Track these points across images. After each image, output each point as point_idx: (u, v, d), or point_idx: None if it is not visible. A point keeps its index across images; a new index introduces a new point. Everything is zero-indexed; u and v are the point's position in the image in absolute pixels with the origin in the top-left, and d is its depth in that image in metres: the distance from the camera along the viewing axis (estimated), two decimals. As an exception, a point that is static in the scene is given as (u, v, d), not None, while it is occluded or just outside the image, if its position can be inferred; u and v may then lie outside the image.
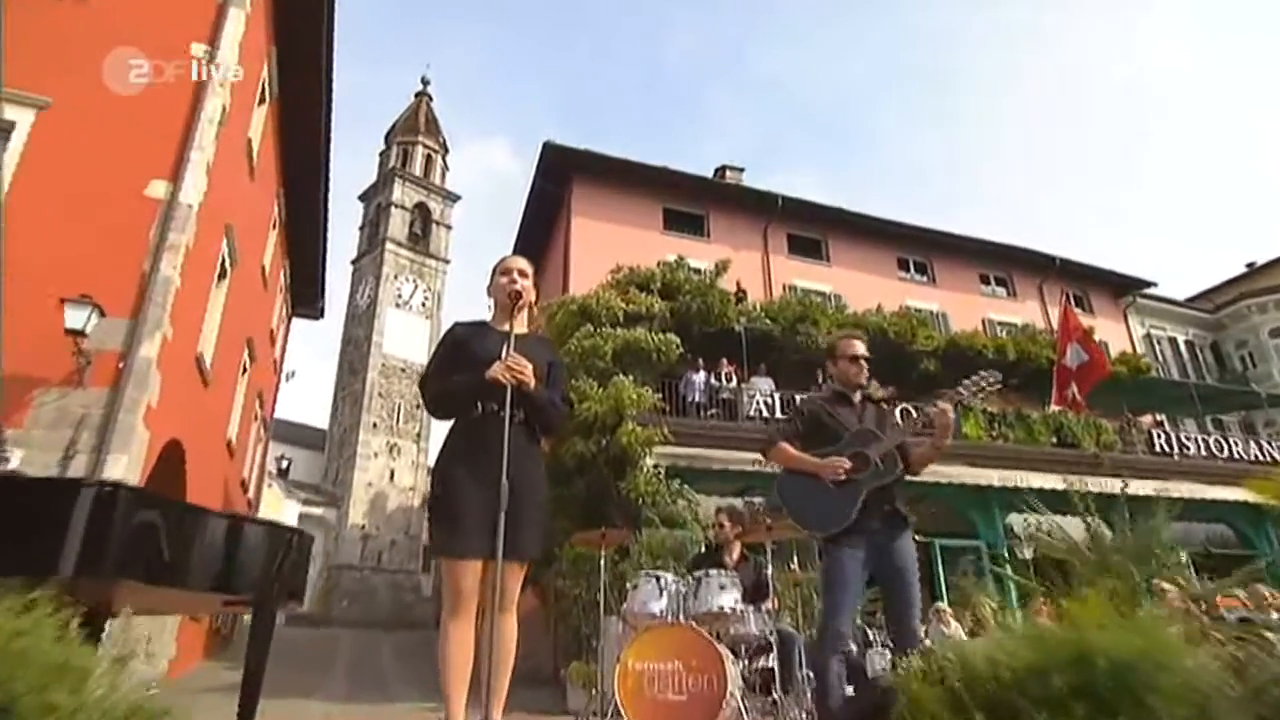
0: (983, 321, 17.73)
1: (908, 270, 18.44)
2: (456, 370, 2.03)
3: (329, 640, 21.73)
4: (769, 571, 4.11)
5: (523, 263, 2.22)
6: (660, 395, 10.58)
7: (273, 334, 16.20)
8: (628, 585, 3.92)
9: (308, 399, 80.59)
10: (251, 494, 18.49)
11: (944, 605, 8.49)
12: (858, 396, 3.03)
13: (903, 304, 16.83)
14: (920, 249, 18.45)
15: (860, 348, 3.12)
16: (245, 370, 13.30)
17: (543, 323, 2.69)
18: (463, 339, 2.08)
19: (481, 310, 2.59)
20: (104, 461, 5.86)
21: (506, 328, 2.08)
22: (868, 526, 2.66)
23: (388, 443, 34.43)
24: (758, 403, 11.99)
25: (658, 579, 3.83)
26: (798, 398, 12.11)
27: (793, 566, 5.28)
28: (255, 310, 13.27)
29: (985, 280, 18.98)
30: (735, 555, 4.35)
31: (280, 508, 29.37)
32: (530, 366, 1.96)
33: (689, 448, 10.42)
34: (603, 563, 4.63)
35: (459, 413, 1.95)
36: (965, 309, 17.69)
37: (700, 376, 12.02)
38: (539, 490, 1.95)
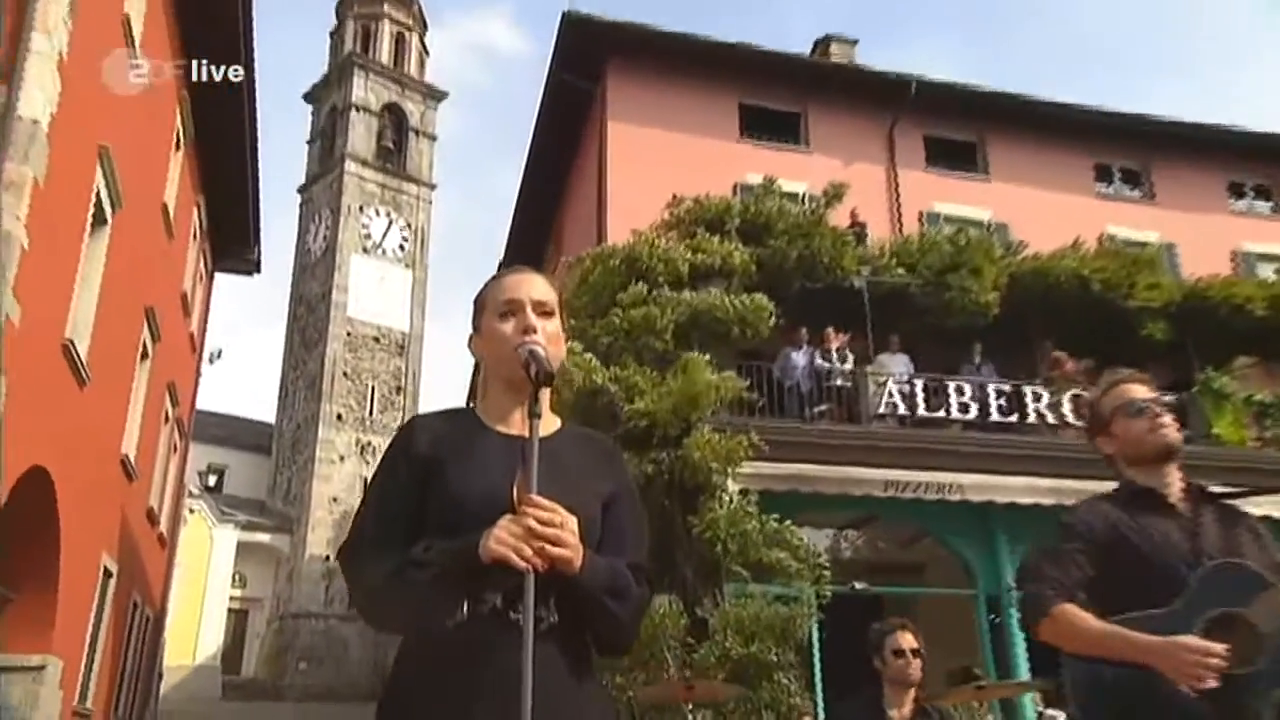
0: (1233, 256, 16.59)
1: (1110, 182, 17.47)
2: (416, 528, 1.64)
3: (278, 720, 22.02)
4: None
5: (537, 287, 1.82)
6: (747, 385, 10.52)
7: (185, 300, 16.07)
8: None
9: (245, 384, 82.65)
10: (165, 525, 18.62)
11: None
12: (1176, 489, 2.41)
13: (1104, 233, 15.98)
14: (1130, 148, 17.33)
15: (1143, 392, 2.53)
16: (146, 355, 13.19)
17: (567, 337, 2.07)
18: (429, 453, 1.70)
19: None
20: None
21: (515, 424, 1.71)
22: None
23: (357, 441, 34.82)
24: (889, 392, 11.70)
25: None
26: (965, 400, 11.72)
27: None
28: (156, 269, 13.07)
29: (1237, 192, 17.76)
30: (907, 708, 3.83)
31: (208, 540, 29.89)
32: (571, 522, 1.54)
33: (788, 462, 10.47)
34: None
35: (425, 620, 1.57)
36: (1204, 237, 16.50)
37: (803, 355, 12.16)
38: None
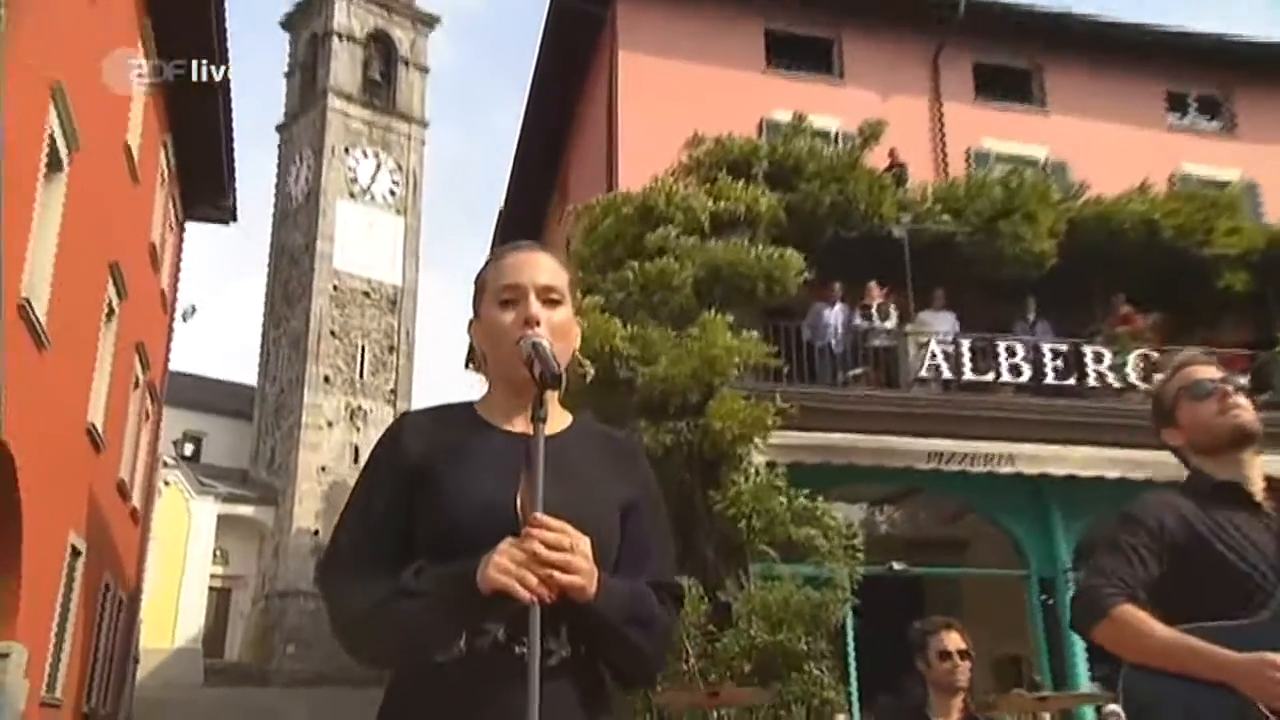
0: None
1: (1184, 112, 17.08)
2: (406, 545, 1.62)
3: (262, 712, 22.32)
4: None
5: (543, 269, 1.76)
6: (776, 351, 10.66)
7: (154, 252, 16.02)
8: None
9: (223, 344, 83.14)
10: (137, 499, 18.78)
11: None
12: (1259, 483, 2.35)
13: (1177, 172, 15.71)
14: (1208, 73, 16.91)
15: (1210, 372, 2.45)
16: (111, 314, 13.19)
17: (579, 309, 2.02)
18: (419, 458, 1.68)
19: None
20: None
21: (520, 422, 1.68)
22: None
23: (347, 405, 35.13)
24: (932, 353, 11.69)
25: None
26: (1017, 362, 11.71)
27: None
28: (120, 219, 13.01)
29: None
30: (954, 717, 3.80)
31: (186, 514, 30.25)
32: (583, 543, 1.51)
33: (820, 431, 10.54)
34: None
35: (416, 657, 1.56)
36: (1290, 175, 16.16)
37: (836, 313, 12.16)
38: None
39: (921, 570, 12.23)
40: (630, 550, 1.66)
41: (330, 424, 34.34)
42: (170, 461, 26.62)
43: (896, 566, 11.09)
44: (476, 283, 1.80)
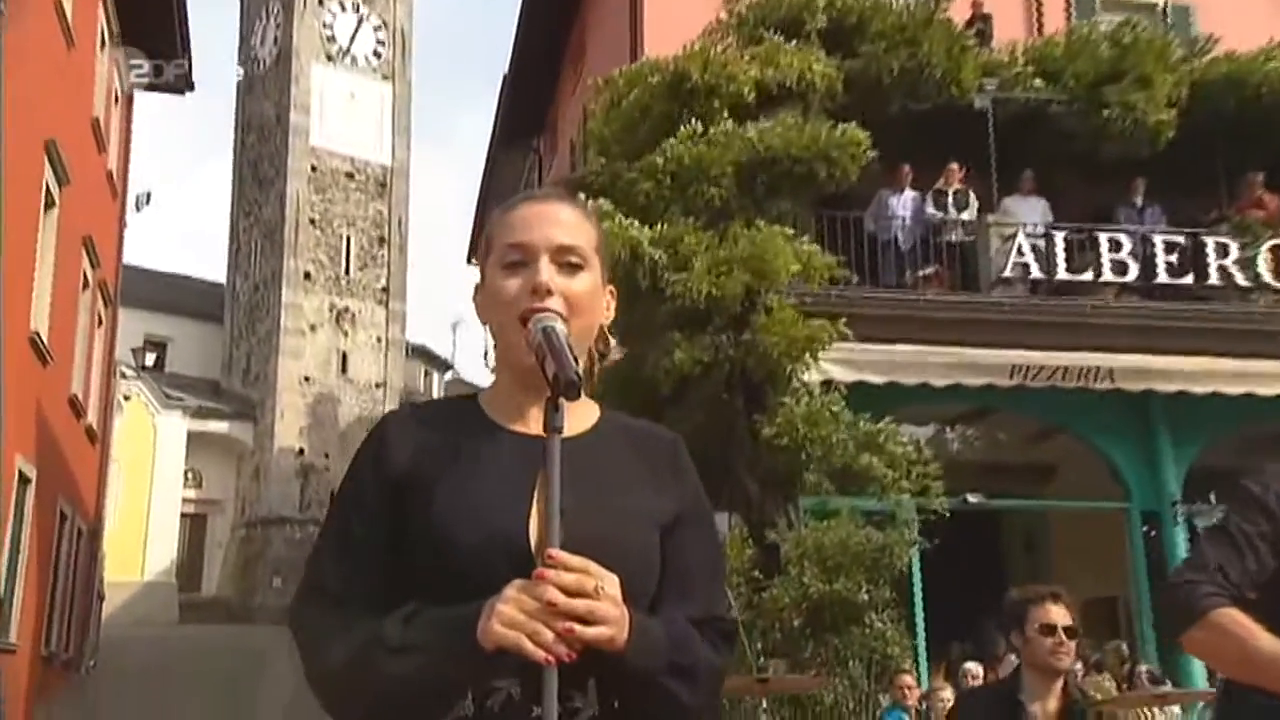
0: None
1: None
2: (394, 580, 1.61)
3: (246, 652, 22.94)
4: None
5: (561, 224, 1.69)
6: (838, 258, 10.52)
7: (98, 129, 15.91)
8: None
9: (186, 235, 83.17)
10: (94, 416, 18.99)
11: None
12: None
13: None
14: None
15: None
16: (51, 203, 13.18)
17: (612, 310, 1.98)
18: (410, 469, 1.66)
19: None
20: None
21: (534, 420, 1.66)
22: None
23: (331, 306, 35.45)
24: (1019, 248, 11.58)
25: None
26: (1122, 257, 11.58)
27: None
28: (54, 89, 12.86)
29: None
30: (1053, 702, 3.78)
31: (151, 430, 30.73)
32: (611, 583, 1.48)
33: (885, 344, 10.59)
34: None
35: (411, 713, 1.56)
36: None
37: (906, 200, 12.11)
38: None
39: (1001, 503, 12.21)
40: (671, 578, 1.64)
41: (313, 327, 34.60)
42: (130, 372, 26.90)
43: (972, 499, 11.11)
44: (485, 235, 1.75)
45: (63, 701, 16.83)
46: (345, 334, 35.02)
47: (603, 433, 1.69)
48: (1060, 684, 3.70)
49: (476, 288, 1.74)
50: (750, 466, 9.52)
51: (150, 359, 28.64)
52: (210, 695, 17.60)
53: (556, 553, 1.43)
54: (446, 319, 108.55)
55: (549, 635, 1.40)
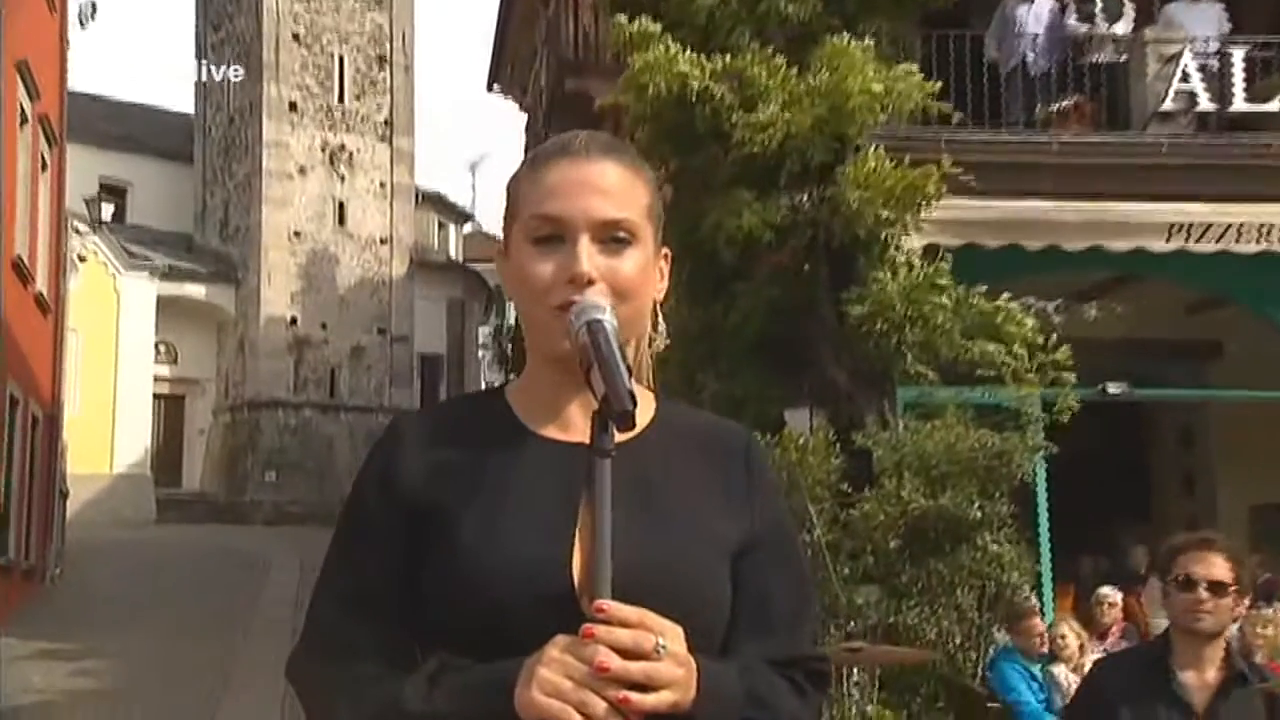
0: None
1: None
2: (412, 623, 1.66)
3: (239, 556, 23.64)
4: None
5: (605, 191, 1.67)
6: (946, 82, 10.44)
7: None
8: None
9: (144, 57, 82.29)
10: (43, 281, 19.28)
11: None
12: None
13: None
14: None
15: None
16: None
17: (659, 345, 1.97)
18: (427, 491, 1.67)
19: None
20: None
21: (574, 422, 1.69)
22: None
23: (324, 143, 35.57)
24: (1182, 72, 11.35)
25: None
26: None
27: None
28: None
29: None
30: (1211, 673, 3.75)
31: (113, 295, 31.07)
32: (672, 634, 1.50)
33: (1007, 198, 10.63)
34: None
35: None
36: None
37: (1038, 10, 11.93)
38: None
39: (1152, 393, 12.10)
40: (748, 610, 1.67)
41: (302, 170, 34.67)
42: (84, 227, 27.04)
43: (1114, 389, 11.05)
44: (507, 193, 1.74)
45: (24, 618, 17.52)
46: (341, 178, 35.03)
47: (660, 434, 1.69)
48: (1219, 649, 3.69)
49: (500, 254, 1.75)
50: (836, 354, 9.63)
51: (108, 211, 28.62)
52: (198, 608, 18.20)
53: (607, 604, 1.44)
54: (463, 159, 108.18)
55: (600, 707, 1.42)
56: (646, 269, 1.68)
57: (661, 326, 1.78)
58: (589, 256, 1.60)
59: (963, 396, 9.60)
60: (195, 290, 34.42)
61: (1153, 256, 10.80)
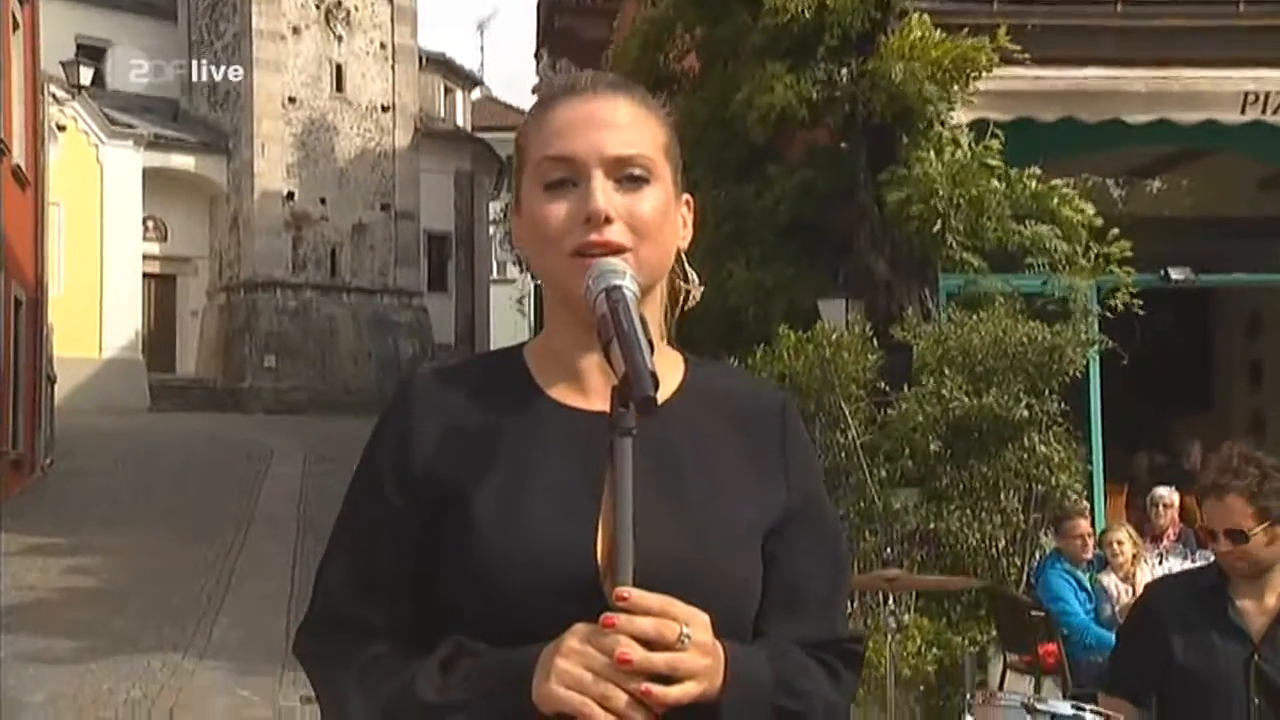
0: None
1: None
2: (426, 600, 1.68)
3: (238, 446, 23.92)
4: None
5: (616, 126, 1.68)
6: None
7: None
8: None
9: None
10: (20, 154, 19.24)
11: None
12: None
13: None
14: None
15: None
16: None
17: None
18: (442, 462, 1.68)
19: None
20: None
21: (594, 387, 1.70)
22: None
23: (317, 1, 35.03)
24: None
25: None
26: None
27: None
28: None
29: None
30: (1272, 599, 3.83)
31: (96, 167, 30.89)
32: (697, 622, 1.51)
33: (1064, 67, 10.55)
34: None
35: None
36: None
37: None
38: None
39: (1218, 279, 12.05)
40: (780, 589, 1.69)
41: (296, 30, 34.27)
42: (61, 93, 26.80)
43: (1176, 275, 11.00)
44: (516, 145, 1.76)
45: (15, 510, 17.81)
46: (339, 39, 34.63)
47: (688, 401, 1.69)
48: (1274, 578, 3.73)
49: (514, 211, 1.75)
50: (874, 240, 9.62)
51: (86, 74, 28.16)
52: (197, 501, 18.50)
53: (629, 592, 1.45)
54: (470, 17, 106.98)
55: (622, 699, 1.44)
56: (666, 209, 1.68)
57: (693, 277, 1.78)
58: (604, 193, 1.61)
59: (1010, 282, 9.59)
60: (184, 161, 34.33)
61: (1224, 129, 10.67)
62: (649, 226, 1.64)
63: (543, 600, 1.54)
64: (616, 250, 1.60)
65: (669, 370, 1.71)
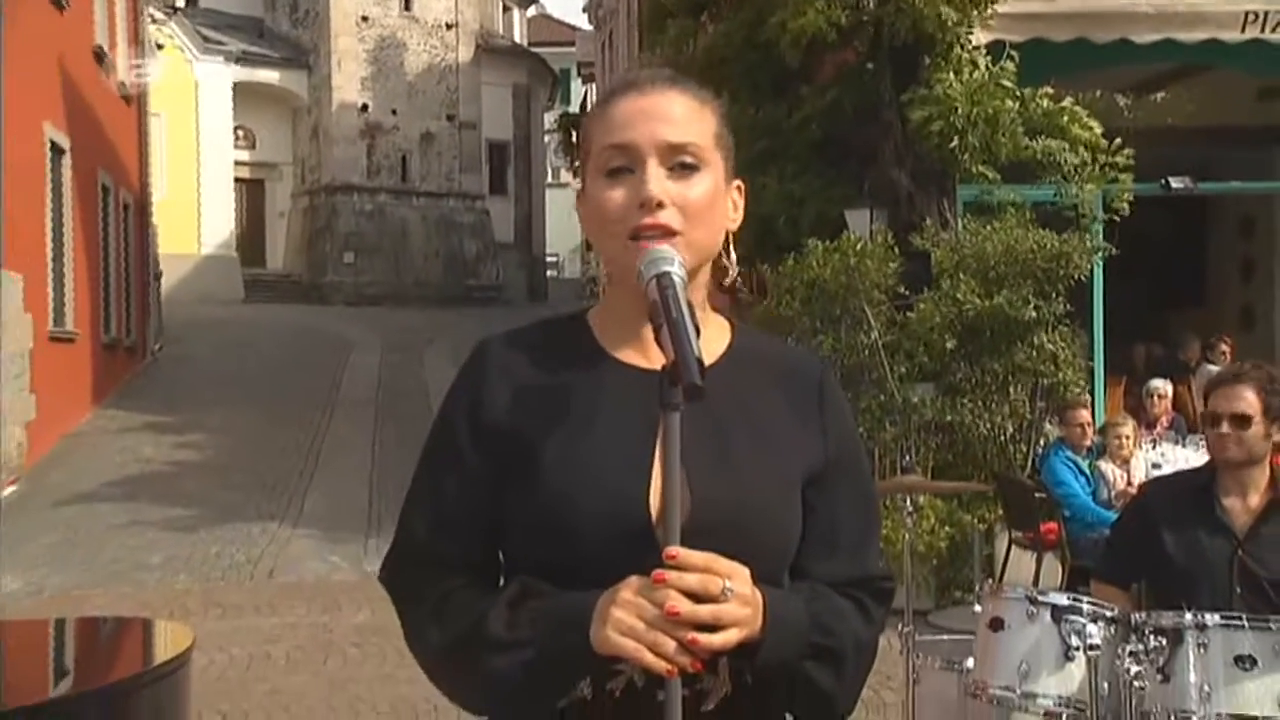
0: None
1: None
2: (490, 544, 1.74)
3: (324, 335, 24.14)
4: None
5: (671, 118, 1.68)
6: None
7: None
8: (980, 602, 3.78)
9: None
10: (124, 70, 19.10)
11: None
12: None
13: None
14: None
15: None
16: None
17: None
18: (510, 416, 1.70)
19: None
20: None
21: (650, 350, 1.65)
22: None
23: (387, -78, 34.47)
24: None
25: (1055, 612, 3.49)
26: None
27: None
28: None
29: None
30: (1255, 498, 3.80)
31: (192, 83, 30.81)
32: (739, 576, 1.53)
33: None
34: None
35: (519, 713, 1.69)
36: None
37: None
38: None
39: (1217, 187, 11.79)
40: (816, 532, 1.69)
41: (371, -52, 33.60)
42: (159, 14, 26.68)
43: (1176, 184, 10.75)
44: (580, 137, 1.77)
45: (131, 391, 18.04)
46: (408, -43, 33.95)
47: (733, 365, 1.68)
48: (1264, 475, 3.71)
49: (579, 196, 1.73)
50: (898, 155, 9.47)
51: (184, -9, 28.25)
52: (289, 385, 18.64)
53: (677, 551, 1.46)
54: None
55: (670, 646, 1.46)
56: (716, 196, 1.67)
57: (733, 256, 1.77)
58: (657, 180, 1.60)
59: (1022, 193, 9.43)
60: (269, 75, 34.04)
61: (1226, 46, 10.34)
62: (699, 211, 1.63)
63: (600, 543, 1.56)
64: (668, 232, 1.60)
65: (717, 334, 1.72)
